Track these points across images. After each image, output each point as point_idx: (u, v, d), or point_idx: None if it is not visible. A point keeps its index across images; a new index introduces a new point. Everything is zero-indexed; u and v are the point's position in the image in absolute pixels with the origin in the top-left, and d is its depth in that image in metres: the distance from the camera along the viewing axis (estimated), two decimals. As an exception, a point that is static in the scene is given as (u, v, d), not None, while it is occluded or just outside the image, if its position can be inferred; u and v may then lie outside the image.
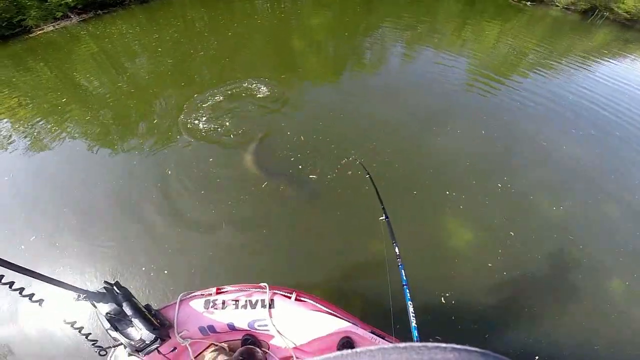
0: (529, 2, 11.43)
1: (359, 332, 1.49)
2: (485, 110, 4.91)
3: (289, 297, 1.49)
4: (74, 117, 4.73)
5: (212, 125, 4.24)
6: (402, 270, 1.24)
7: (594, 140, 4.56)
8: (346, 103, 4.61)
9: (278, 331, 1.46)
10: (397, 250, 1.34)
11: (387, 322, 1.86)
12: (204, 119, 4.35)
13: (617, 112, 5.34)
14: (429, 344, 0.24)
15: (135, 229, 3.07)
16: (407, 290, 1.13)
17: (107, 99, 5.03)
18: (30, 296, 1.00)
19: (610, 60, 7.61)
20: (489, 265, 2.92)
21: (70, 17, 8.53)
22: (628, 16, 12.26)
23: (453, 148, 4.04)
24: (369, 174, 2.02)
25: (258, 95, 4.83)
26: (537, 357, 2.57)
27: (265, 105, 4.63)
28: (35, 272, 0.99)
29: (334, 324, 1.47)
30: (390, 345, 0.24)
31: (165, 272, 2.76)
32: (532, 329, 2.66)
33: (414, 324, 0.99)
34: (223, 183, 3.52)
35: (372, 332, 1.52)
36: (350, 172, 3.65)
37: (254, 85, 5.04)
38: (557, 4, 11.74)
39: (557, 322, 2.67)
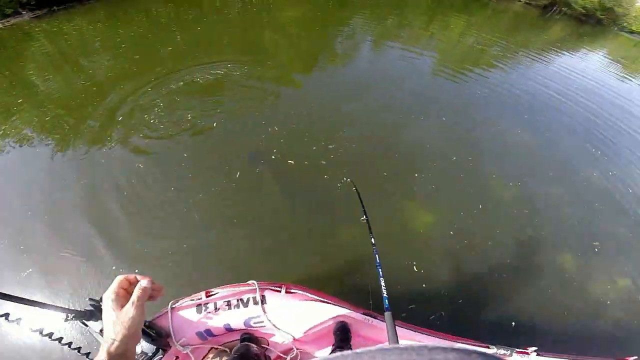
0: (493, -3, 11.98)
1: (352, 315, 1.56)
2: (450, 100, 5.11)
3: (279, 291, 1.50)
4: (26, 118, 4.37)
5: (184, 118, 4.08)
6: (377, 256, 1.37)
7: (545, 125, 4.88)
8: (318, 95, 4.62)
9: (274, 325, 1.48)
10: (373, 240, 1.48)
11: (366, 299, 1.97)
12: (176, 113, 4.17)
13: (567, 99, 5.75)
14: (430, 344, 0.24)
15: (102, 232, 2.85)
16: (380, 269, 1.28)
17: (64, 99, 4.69)
18: (6, 316, 0.90)
19: (565, 53, 8.10)
20: (451, 233, 3.15)
21: (21, 13, 7.92)
22: (584, 11, 13.15)
23: (418, 135, 4.20)
24: (355, 187, 2.01)
25: (231, 87, 4.70)
26: (513, 323, 2.69)
27: (239, 96, 4.53)
28: (14, 297, 0.90)
29: (327, 311, 1.51)
30: (391, 345, 0.24)
31: (136, 271, 2.60)
32: (505, 295, 2.84)
33: (384, 294, 1.18)
34: (197, 174, 3.39)
35: (364, 314, 1.59)
36: (324, 162, 3.65)
37: (228, 76, 4.91)
38: (518, -1, 12.38)
39: (523, 289, 2.89)
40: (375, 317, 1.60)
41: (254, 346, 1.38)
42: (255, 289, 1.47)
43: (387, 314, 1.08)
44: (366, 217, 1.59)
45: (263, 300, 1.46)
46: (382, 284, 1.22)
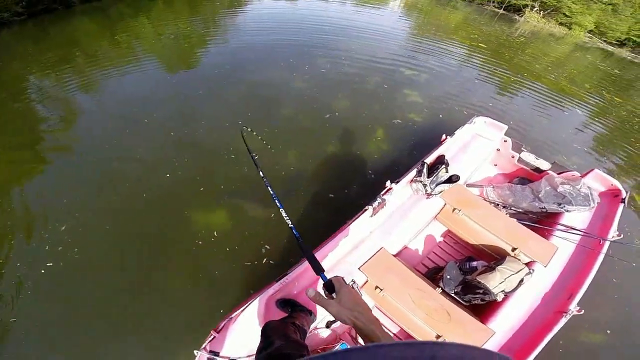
0: None
1: (270, 292, 1.72)
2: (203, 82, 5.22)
3: (215, 336, 1.51)
4: None
5: None
6: (269, 187, 1.25)
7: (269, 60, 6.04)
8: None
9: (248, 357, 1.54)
10: (261, 173, 1.31)
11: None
12: None
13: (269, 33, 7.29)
14: (429, 342, 0.23)
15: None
16: (277, 200, 1.14)
17: None
18: None
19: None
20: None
21: None
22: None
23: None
24: (249, 149, 1.59)
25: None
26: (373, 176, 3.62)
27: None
28: None
29: (258, 310, 1.63)
30: (384, 342, 0.24)
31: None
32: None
33: (290, 224, 1.03)
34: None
35: (277, 280, 1.76)
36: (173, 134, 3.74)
37: None
38: None
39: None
40: (284, 276, 1.76)
41: None
42: (202, 355, 1.45)
43: (301, 244, 0.94)
44: (250, 154, 1.47)
45: (215, 354, 1.46)
46: (284, 214, 1.06)
